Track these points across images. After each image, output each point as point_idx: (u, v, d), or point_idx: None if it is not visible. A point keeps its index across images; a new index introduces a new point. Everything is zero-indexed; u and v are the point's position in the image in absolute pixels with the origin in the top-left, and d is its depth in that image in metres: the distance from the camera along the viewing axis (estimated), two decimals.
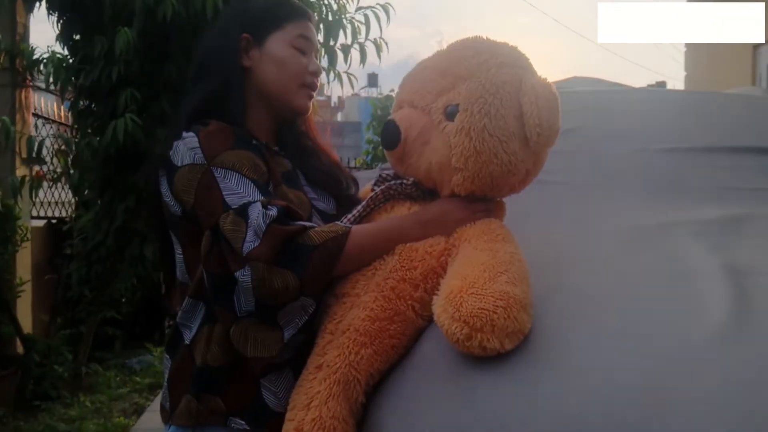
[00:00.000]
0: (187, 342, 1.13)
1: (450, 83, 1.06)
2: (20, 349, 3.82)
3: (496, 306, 0.84)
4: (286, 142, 1.26)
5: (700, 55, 6.28)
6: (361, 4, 3.56)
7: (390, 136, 1.10)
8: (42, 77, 3.82)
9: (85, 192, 4.19)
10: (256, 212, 1.01)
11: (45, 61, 3.51)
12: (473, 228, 1.03)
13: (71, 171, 4.02)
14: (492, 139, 1.01)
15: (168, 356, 1.18)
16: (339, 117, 27.63)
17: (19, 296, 3.78)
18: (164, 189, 1.14)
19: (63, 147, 4.17)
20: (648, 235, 1.21)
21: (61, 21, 3.49)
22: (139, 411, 3.60)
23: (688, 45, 6.45)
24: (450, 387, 0.87)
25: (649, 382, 0.75)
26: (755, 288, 0.90)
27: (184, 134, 1.11)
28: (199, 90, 1.19)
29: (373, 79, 24.49)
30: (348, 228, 1.04)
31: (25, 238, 3.74)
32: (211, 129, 1.11)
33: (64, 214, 4.93)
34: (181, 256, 1.16)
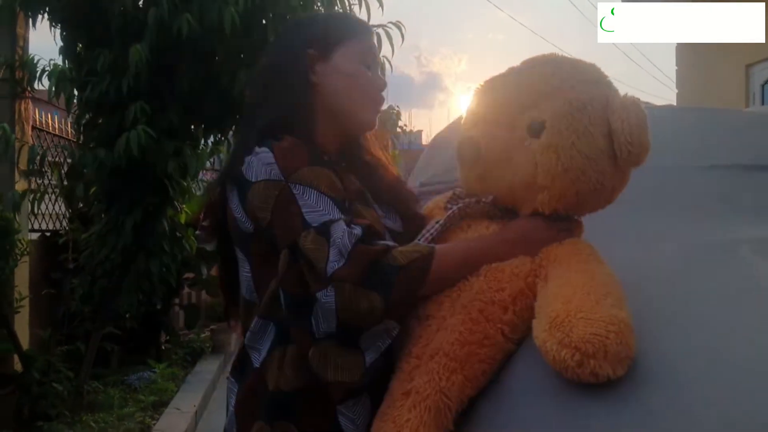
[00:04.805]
0: (256, 365, 1.09)
1: (532, 100, 1.03)
2: (17, 366, 3.71)
3: (608, 331, 0.81)
4: (350, 158, 1.23)
5: (691, 73, 6.26)
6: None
7: (469, 152, 1.07)
8: (43, 89, 3.74)
9: (80, 205, 4.11)
10: (340, 231, 0.98)
11: (48, 72, 3.42)
12: (561, 248, 1.00)
13: (64, 183, 3.94)
14: (580, 157, 0.99)
15: (234, 380, 1.14)
16: None
17: (18, 312, 3.67)
18: (234, 205, 1.10)
19: (57, 159, 4.10)
20: (718, 254, 1.19)
21: (64, 33, 3.42)
22: (145, 430, 3.51)
23: (679, 63, 6.45)
24: (559, 414, 0.84)
25: None
26: None
27: (257, 149, 1.07)
28: (268, 107, 1.16)
29: None
30: (433, 248, 1.01)
31: (25, 252, 3.64)
32: (285, 145, 1.07)
33: (54, 226, 4.82)
34: (249, 275, 1.12)
